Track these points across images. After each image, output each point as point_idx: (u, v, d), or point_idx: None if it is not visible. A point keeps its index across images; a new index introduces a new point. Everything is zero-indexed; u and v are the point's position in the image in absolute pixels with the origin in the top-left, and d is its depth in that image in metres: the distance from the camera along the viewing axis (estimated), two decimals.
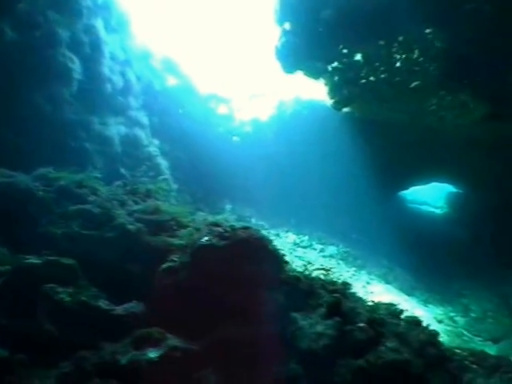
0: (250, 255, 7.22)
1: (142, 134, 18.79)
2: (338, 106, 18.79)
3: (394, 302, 9.61)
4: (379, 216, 21.06)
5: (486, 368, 8.41)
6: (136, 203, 9.54)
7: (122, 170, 16.60)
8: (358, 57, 16.40)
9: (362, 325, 7.60)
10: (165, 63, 23.06)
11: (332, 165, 22.44)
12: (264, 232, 17.67)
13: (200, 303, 6.98)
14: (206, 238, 7.16)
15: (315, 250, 20.73)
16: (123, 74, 18.43)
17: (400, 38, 14.97)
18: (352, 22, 15.25)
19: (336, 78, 17.53)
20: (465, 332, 15.25)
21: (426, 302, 17.57)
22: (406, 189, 26.97)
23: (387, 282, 18.68)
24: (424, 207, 29.52)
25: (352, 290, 9.39)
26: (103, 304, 6.88)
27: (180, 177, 20.37)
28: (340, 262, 19.89)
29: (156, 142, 19.70)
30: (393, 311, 8.70)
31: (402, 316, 8.65)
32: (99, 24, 17.06)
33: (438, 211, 29.05)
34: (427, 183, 26.55)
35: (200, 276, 7.10)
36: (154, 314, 6.98)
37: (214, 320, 6.91)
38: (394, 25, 14.80)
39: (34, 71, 14.15)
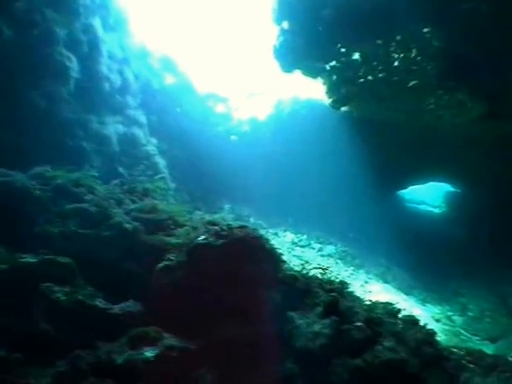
0: (247, 254, 7.22)
1: (140, 133, 18.74)
2: (336, 105, 18.79)
3: (392, 302, 9.63)
4: (377, 215, 21.07)
5: (483, 367, 8.44)
6: (133, 202, 9.53)
7: (120, 169, 16.55)
8: (356, 56, 16.38)
9: (359, 324, 7.60)
10: (163, 62, 23.02)
11: (330, 164, 22.43)
12: (262, 231, 17.74)
13: (197, 302, 6.98)
14: (203, 237, 7.15)
15: (313, 249, 20.75)
16: (121, 73, 18.36)
17: (398, 37, 14.96)
18: (350, 21, 15.24)
19: (334, 77, 17.53)
20: (462, 331, 15.27)
21: (423, 301, 17.60)
22: (405, 188, 27.00)
23: (385, 282, 18.71)
24: (422, 206, 29.56)
25: (350, 289, 9.39)
26: (100, 303, 6.86)
27: (178, 176, 20.32)
28: (338, 261, 19.91)
29: (154, 140, 19.65)
30: (390, 310, 8.70)
31: (400, 315, 8.66)
32: (97, 22, 16.98)
33: (435, 210, 29.09)
34: (425, 182, 26.59)
35: (197, 275, 7.09)
36: (151, 313, 6.97)
37: (211, 319, 6.91)
38: (391, 24, 14.80)
39: (31, 70, 14.09)
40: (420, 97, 16.10)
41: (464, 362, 8.29)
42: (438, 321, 15.77)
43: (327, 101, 19.33)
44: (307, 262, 14.77)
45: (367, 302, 8.97)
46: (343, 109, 19.35)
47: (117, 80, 17.86)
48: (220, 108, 25.30)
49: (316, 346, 7.08)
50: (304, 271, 9.40)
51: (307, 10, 16.22)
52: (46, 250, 7.24)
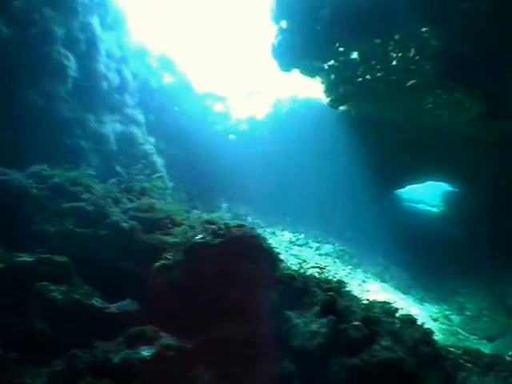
0: (244, 253, 7.20)
1: (138, 132, 18.71)
2: (334, 104, 18.79)
3: (390, 301, 9.64)
4: (375, 214, 21.07)
5: (480, 366, 8.46)
6: (131, 201, 9.51)
7: (118, 168, 16.51)
8: (355, 55, 16.37)
9: (356, 323, 7.59)
10: (161, 61, 22.99)
11: (329, 163, 22.43)
12: (260, 230, 17.72)
13: (194, 301, 6.96)
14: (200, 236, 7.14)
15: (311, 248, 20.74)
16: (119, 72, 18.31)
17: (396, 37, 14.95)
18: (348, 20, 15.23)
19: (332, 76, 17.52)
20: (460, 330, 15.28)
21: (421, 301, 17.60)
22: (403, 187, 27.01)
23: (383, 281, 18.70)
24: (420, 206, 29.58)
25: (347, 289, 9.40)
26: (96, 302, 6.85)
27: (176, 175, 20.30)
28: (336, 260, 19.90)
29: (152, 139, 19.62)
30: (388, 309, 8.71)
31: (397, 314, 8.66)
32: (95, 21, 16.93)
33: (434, 210, 29.11)
34: (423, 182, 26.60)
35: (194, 274, 7.08)
36: (148, 312, 6.96)
37: (208, 318, 6.89)
38: (390, 23, 14.79)
39: (29, 68, 14.05)
40: (418, 96, 16.10)
41: (461, 361, 8.31)
42: (435, 320, 15.77)
43: (325, 100, 19.33)
44: (304, 261, 14.76)
45: (365, 301, 8.98)
46: (341, 108, 19.36)
47: (115, 79, 17.81)
48: (218, 107, 25.31)
49: (313, 346, 7.07)
50: (301, 270, 9.40)
51: (305, 9, 16.21)
52: (43, 248, 7.21)
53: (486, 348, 12.71)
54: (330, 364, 7.03)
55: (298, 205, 22.78)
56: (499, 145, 18.47)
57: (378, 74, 15.93)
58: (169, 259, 7.28)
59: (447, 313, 16.75)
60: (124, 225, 8.17)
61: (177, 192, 18.95)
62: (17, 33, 13.83)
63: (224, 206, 22.10)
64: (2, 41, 13.39)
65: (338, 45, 16.43)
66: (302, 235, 21.75)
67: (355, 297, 9.22)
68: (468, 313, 16.70)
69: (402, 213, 26.42)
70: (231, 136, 24.76)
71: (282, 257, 9.08)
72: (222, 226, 7.34)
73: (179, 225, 8.60)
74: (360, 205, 21.28)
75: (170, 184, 18.67)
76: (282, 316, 7.50)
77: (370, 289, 17.14)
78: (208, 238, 7.10)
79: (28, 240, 7.45)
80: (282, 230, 22.06)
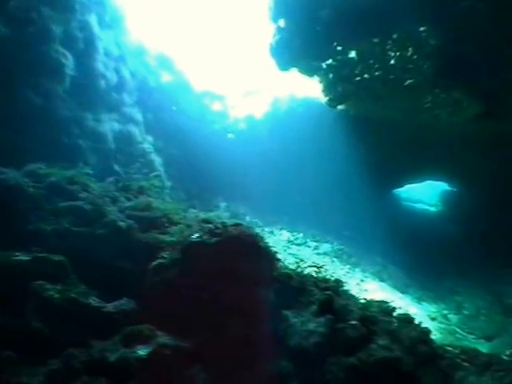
0: (241, 252, 7.19)
1: (136, 131, 18.67)
2: (332, 103, 18.77)
3: (388, 300, 9.63)
4: (374, 214, 21.08)
5: (477, 366, 8.45)
6: (128, 200, 9.49)
7: (116, 167, 16.48)
8: (353, 54, 16.34)
9: (353, 322, 7.59)
10: (159, 60, 22.97)
11: (327, 162, 22.43)
12: (258, 229, 17.74)
13: (191, 300, 6.95)
14: (197, 235, 7.12)
15: (309, 247, 20.73)
16: (117, 70, 18.27)
17: (394, 36, 14.93)
18: (347, 19, 15.20)
19: (330, 75, 17.50)
20: (458, 329, 15.29)
21: (419, 300, 17.60)
22: (401, 186, 27.02)
23: (381, 280, 18.70)
24: (418, 205, 29.59)
25: (345, 288, 9.40)
26: (93, 301, 6.83)
27: (174, 174, 20.27)
28: (334, 259, 19.89)
29: (150, 138, 19.58)
30: (385, 309, 8.71)
31: (395, 314, 8.66)
32: (93, 20, 16.88)
33: (432, 209, 29.12)
34: (422, 181, 26.60)
35: (191, 273, 7.06)
36: (145, 311, 6.94)
37: (205, 317, 6.88)
38: (388, 22, 14.76)
39: (27, 67, 14.01)
40: (416, 95, 16.08)
41: (458, 360, 8.30)
42: (433, 319, 15.78)
43: (324, 99, 19.31)
44: (302, 261, 14.72)
45: (362, 301, 8.98)
46: (340, 107, 19.33)
47: (113, 77, 17.76)
48: (216, 106, 25.32)
49: (310, 345, 7.07)
50: (299, 269, 9.39)
51: (303, 8, 16.18)
52: (39, 247, 7.20)
53: (483, 347, 12.70)
54: (327, 363, 7.03)
55: (297, 204, 22.78)
56: (497, 144, 18.47)
57: (376, 73, 15.91)
58: (165, 258, 7.27)
59: (445, 312, 16.75)
60: (121, 224, 8.15)
61: (175, 191, 18.93)
62: (14, 32, 13.79)
63: (222, 205, 22.08)
64: (0, 40, 13.36)
65: (336, 44, 16.40)
66: (301, 234, 21.74)
67: (353, 296, 9.22)
68: (466, 312, 16.71)
69: (400, 212, 26.43)
70: (229, 135, 24.76)
71: (280, 256, 9.09)
72: (219, 225, 7.32)
73: (176, 224, 8.58)
74: (358, 204, 21.27)
75: (168, 183, 18.64)
76: (280, 315, 7.50)
77: (369, 288, 17.14)
78: (205, 237, 7.08)
79: (24, 239, 7.42)
80: (281, 229, 22.05)
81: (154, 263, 7.27)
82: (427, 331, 8.19)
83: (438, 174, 24.02)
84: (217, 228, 7.26)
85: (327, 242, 21.53)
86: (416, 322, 8.54)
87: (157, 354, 5.95)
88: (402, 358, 7.17)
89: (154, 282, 7.19)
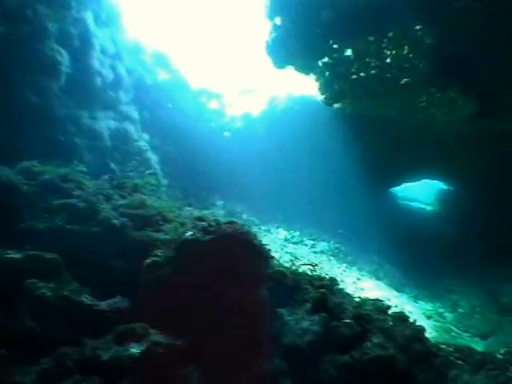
0: (235, 250, 7.17)
1: (132, 129, 18.62)
2: (328, 101, 18.73)
3: (384, 298, 9.65)
4: (370, 212, 21.09)
5: (471, 364, 8.47)
6: (123, 198, 9.44)
7: (112, 165, 16.43)
8: (349, 52, 16.32)
9: (348, 321, 7.59)
10: (156, 57, 22.94)
11: (324, 161, 22.43)
12: (255, 228, 17.75)
13: (185, 298, 6.92)
14: (190, 233, 7.10)
15: (306, 245, 20.73)
16: (114, 68, 18.20)
17: (390, 34, 14.92)
18: (342, 17, 15.20)
19: (327, 73, 17.46)
20: (453, 328, 15.32)
21: (415, 298, 17.64)
22: (398, 185, 27.05)
23: (378, 279, 18.72)
24: (414, 204, 29.59)
25: (340, 286, 9.41)
26: (86, 299, 6.80)
27: (171, 172, 20.23)
28: (331, 258, 19.90)
29: (146, 136, 19.54)
30: (380, 307, 8.71)
31: (389, 312, 8.66)
32: (89, 17, 16.81)
33: (428, 208, 29.14)
34: (418, 180, 26.61)
35: (184, 271, 7.04)
36: (139, 309, 6.92)
37: (199, 315, 6.86)
38: (383, 21, 14.76)
39: (22, 65, 13.94)
40: (412, 94, 16.06)
41: (453, 358, 8.32)
42: (429, 317, 15.80)
43: (320, 97, 19.28)
44: (296, 258, 14.74)
45: (357, 299, 8.99)
46: (336, 105, 19.30)
47: (109, 75, 17.69)
48: (213, 104, 25.30)
49: (304, 343, 7.07)
50: (293, 267, 9.39)
51: (299, 6, 16.16)
52: (33, 245, 7.16)
53: (478, 346, 12.74)
54: (321, 361, 7.03)
55: (294, 202, 22.77)
56: (493, 143, 18.51)
57: (373, 72, 15.88)
58: (159, 256, 7.24)
59: (441, 310, 16.79)
60: (115, 222, 8.11)
61: (171, 189, 18.89)
62: (10, 29, 13.71)
63: (219, 203, 22.08)
64: None
65: (332, 42, 16.37)
66: (297, 233, 21.75)
67: (347, 294, 9.22)
68: (461, 310, 16.74)
69: (396, 211, 26.44)
70: (226, 133, 24.73)
71: (276, 254, 9.08)
72: (213, 223, 7.30)
73: (171, 221, 8.55)
74: (355, 203, 21.29)
75: (165, 181, 18.62)
76: (274, 313, 7.49)
77: (365, 287, 17.16)
78: (198, 235, 7.06)
79: (17, 237, 7.38)
80: (277, 227, 22.05)
81: (148, 261, 7.24)
82: (422, 329, 8.20)
83: (434, 172, 24.05)
84: (210, 226, 7.24)
85: (324, 240, 21.55)
86: (411, 320, 8.55)
87: (150, 352, 5.92)
88: (396, 356, 7.17)
89: (148, 280, 7.16)
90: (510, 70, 14.35)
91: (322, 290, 8.00)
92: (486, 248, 18.75)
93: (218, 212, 15.96)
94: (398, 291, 17.89)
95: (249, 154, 23.55)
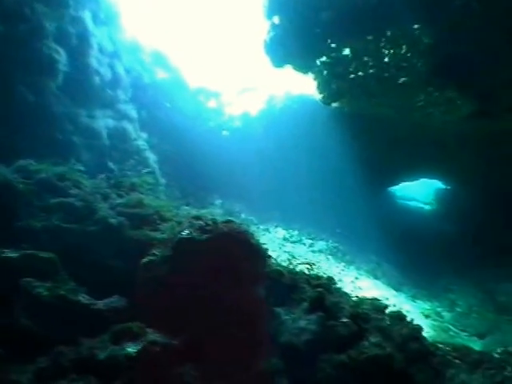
0: (232, 249, 7.15)
1: (131, 128, 18.59)
2: (326, 100, 18.73)
3: (382, 298, 9.64)
4: (368, 212, 21.10)
5: (469, 363, 8.46)
6: (120, 197, 9.42)
7: (110, 164, 16.41)
8: (347, 51, 16.31)
9: (345, 320, 7.59)
10: (154, 56, 22.91)
11: (322, 160, 22.44)
12: (253, 227, 17.74)
13: (182, 297, 6.91)
14: (187, 232, 7.08)
15: (304, 245, 20.75)
16: (112, 67, 18.17)
17: (388, 33, 14.90)
18: (341, 16, 15.18)
19: (325, 72, 17.46)
20: (451, 327, 15.34)
21: (413, 298, 17.66)
22: (396, 184, 27.07)
23: (376, 278, 18.75)
24: (413, 203, 29.62)
25: (338, 285, 9.39)
26: (83, 298, 6.77)
27: (169, 171, 20.22)
28: (329, 257, 19.92)
29: (144, 135, 19.52)
30: (377, 306, 8.71)
31: (387, 311, 8.66)
32: (87, 16, 16.78)
33: (426, 207, 29.16)
34: (417, 179, 26.63)
35: (181, 270, 7.02)
36: (136, 308, 6.91)
37: (197, 314, 6.84)
38: (382, 20, 14.74)
39: (20, 64, 13.91)
40: (410, 93, 16.07)
41: (450, 357, 8.31)
42: (427, 317, 15.82)
43: (318, 96, 19.27)
44: (294, 258, 14.73)
45: (354, 298, 8.98)
46: (334, 104, 19.29)
47: (107, 74, 17.66)
48: (212, 103, 25.31)
49: (301, 342, 7.06)
50: (291, 266, 9.37)
51: (298, 4, 16.13)
52: (29, 244, 7.13)
53: (476, 345, 12.75)
54: (318, 361, 7.02)
55: (292, 201, 22.78)
56: (491, 143, 18.52)
57: (371, 71, 15.88)
58: (156, 255, 7.22)
59: (439, 309, 16.81)
60: (112, 221, 8.09)
61: (170, 188, 18.87)
62: (7, 28, 13.67)
63: (217, 202, 22.08)
64: None
65: (330, 41, 16.36)
66: (296, 232, 21.76)
67: (345, 293, 9.21)
68: (459, 309, 16.77)
69: (394, 210, 26.47)
70: (224, 132, 24.73)
71: (274, 254, 9.06)
72: (209, 222, 7.28)
73: (168, 221, 8.53)
74: (353, 202, 21.31)
75: (163, 180, 18.60)
76: (271, 312, 7.48)
77: (363, 286, 17.18)
78: (195, 234, 7.04)
79: (14, 236, 7.35)
80: (276, 226, 22.06)
81: (145, 260, 7.22)
82: (419, 328, 8.20)
83: (433, 172, 24.07)
84: (207, 225, 7.22)
85: (322, 239, 21.57)
86: (408, 319, 8.55)
87: (146, 351, 5.91)
88: (393, 355, 7.17)
89: (145, 279, 7.14)
90: (510, 69, 14.35)
91: (320, 289, 7.99)
92: (483, 247, 18.80)
93: (216, 211, 15.96)
94: (396, 290, 17.90)
95: (247, 153, 23.55)
